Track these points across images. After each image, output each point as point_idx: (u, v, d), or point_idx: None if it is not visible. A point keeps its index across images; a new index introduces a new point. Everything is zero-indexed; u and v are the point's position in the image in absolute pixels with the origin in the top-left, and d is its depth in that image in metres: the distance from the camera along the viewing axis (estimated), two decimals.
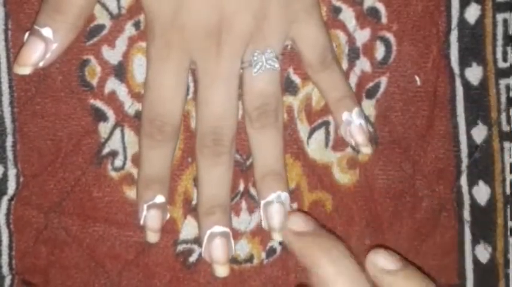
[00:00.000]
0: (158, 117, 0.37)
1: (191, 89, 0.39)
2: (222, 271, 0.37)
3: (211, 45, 0.36)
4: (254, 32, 0.37)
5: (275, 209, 0.37)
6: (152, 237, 0.38)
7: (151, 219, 0.37)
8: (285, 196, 0.38)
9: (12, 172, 0.40)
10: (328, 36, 0.39)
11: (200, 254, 0.40)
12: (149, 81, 0.37)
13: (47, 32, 0.35)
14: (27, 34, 0.36)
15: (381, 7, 0.40)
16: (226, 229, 0.37)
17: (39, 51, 0.36)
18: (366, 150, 0.39)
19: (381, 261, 0.34)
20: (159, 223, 0.38)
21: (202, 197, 0.38)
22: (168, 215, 0.39)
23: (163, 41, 0.36)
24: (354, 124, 0.39)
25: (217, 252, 0.37)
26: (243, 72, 0.38)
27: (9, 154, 0.39)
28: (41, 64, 0.36)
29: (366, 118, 0.40)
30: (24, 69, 0.36)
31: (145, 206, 0.37)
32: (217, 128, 0.37)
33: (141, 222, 0.38)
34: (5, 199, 0.40)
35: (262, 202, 0.38)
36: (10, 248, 0.40)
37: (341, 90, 0.39)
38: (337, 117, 0.39)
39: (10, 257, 0.40)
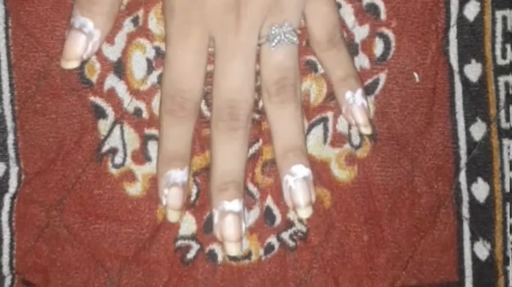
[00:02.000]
0: (179, 94, 0.36)
1: None
2: (234, 249, 0.37)
3: (230, 19, 0.36)
4: (272, 5, 0.36)
5: (299, 186, 0.37)
6: (173, 216, 0.38)
7: (173, 197, 0.37)
8: (308, 171, 0.38)
9: (14, 170, 0.40)
10: (339, 16, 0.39)
11: (198, 251, 0.40)
12: (169, 57, 0.37)
13: (86, 24, 0.36)
14: (67, 30, 0.37)
15: (380, 3, 0.40)
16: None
17: (81, 44, 0.36)
18: (366, 130, 0.39)
19: None
20: (181, 201, 0.37)
21: (216, 172, 0.37)
22: (189, 193, 0.39)
23: (184, 17, 0.36)
24: (356, 104, 0.38)
25: (229, 230, 0.36)
26: (261, 47, 0.37)
27: (11, 152, 0.40)
28: (85, 56, 0.37)
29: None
30: (71, 63, 0.37)
31: (166, 183, 0.37)
32: (234, 101, 0.36)
33: (163, 202, 0.37)
34: (7, 197, 0.40)
35: (284, 178, 0.38)
36: (11, 247, 0.40)
37: (346, 69, 0.39)
38: (340, 97, 0.39)
39: (11, 257, 0.40)
